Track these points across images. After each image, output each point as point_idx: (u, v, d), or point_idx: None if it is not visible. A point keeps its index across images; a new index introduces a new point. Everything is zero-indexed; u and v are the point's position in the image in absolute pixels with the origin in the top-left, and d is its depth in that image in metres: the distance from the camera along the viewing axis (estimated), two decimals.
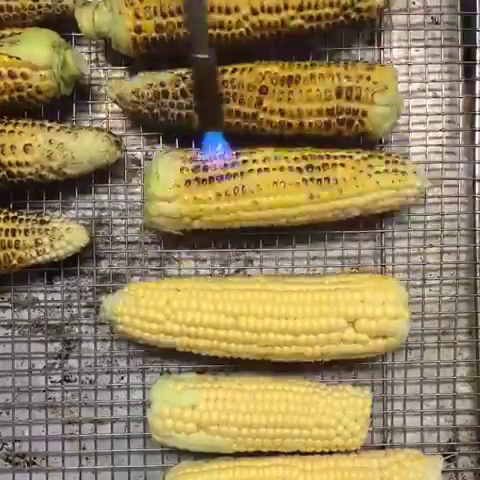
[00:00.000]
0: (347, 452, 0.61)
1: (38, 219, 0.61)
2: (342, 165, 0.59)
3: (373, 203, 0.60)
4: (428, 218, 0.65)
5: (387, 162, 0.60)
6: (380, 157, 0.60)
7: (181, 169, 0.58)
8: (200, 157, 0.58)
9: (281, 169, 0.58)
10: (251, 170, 0.58)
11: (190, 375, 0.62)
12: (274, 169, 0.58)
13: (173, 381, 0.60)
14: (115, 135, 0.62)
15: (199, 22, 0.49)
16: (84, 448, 0.65)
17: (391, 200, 0.60)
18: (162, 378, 0.62)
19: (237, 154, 0.59)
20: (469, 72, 0.66)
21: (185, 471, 0.59)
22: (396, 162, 0.60)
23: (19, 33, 0.59)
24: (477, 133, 0.66)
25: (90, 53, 0.66)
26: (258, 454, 0.60)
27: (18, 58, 0.58)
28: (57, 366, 0.65)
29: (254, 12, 0.58)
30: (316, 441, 0.59)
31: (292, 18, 0.59)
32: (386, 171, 0.59)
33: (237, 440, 0.59)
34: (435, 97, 0.66)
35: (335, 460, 0.59)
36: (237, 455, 0.60)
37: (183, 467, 0.60)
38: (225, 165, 0.58)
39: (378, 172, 0.59)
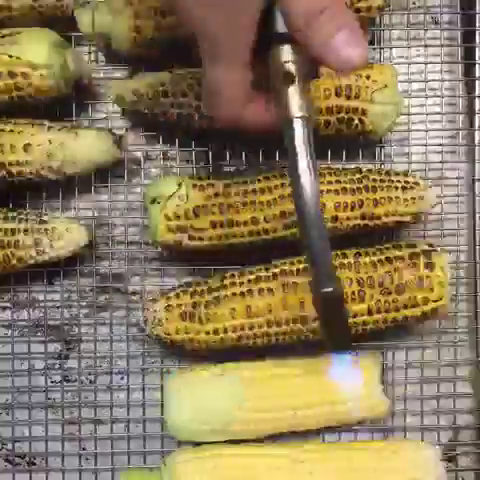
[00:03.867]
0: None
1: (38, 219, 0.61)
2: None
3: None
4: (428, 218, 0.65)
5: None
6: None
7: None
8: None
9: None
10: None
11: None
12: None
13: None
14: (115, 135, 0.62)
15: (322, 252, 0.42)
16: (84, 448, 0.65)
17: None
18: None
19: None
20: (469, 72, 0.66)
21: (186, 457, 0.59)
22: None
23: (19, 33, 0.59)
24: (477, 133, 0.66)
25: (90, 53, 0.66)
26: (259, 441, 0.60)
27: (18, 58, 0.58)
28: (57, 366, 0.65)
29: None
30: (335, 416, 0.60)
31: None
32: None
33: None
34: (435, 97, 0.66)
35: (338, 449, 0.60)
36: (238, 441, 0.60)
37: (184, 452, 0.60)
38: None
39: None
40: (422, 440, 0.64)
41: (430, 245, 0.59)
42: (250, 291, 0.58)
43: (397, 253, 0.59)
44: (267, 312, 0.58)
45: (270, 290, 0.58)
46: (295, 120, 0.41)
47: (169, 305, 0.59)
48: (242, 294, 0.58)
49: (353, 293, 0.57)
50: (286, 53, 0.41)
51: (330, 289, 0.43)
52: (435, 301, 0.58)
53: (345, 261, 0.58)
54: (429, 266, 0.58)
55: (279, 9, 0.40)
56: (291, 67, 0.41)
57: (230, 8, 0.39)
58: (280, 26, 0.41)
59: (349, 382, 0.58)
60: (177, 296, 0.59)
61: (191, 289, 0.60)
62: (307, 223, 0.42)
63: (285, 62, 0.41)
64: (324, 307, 0.44)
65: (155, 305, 0.59)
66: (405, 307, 0.58)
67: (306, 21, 0.39)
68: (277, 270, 0.59)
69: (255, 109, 0.46)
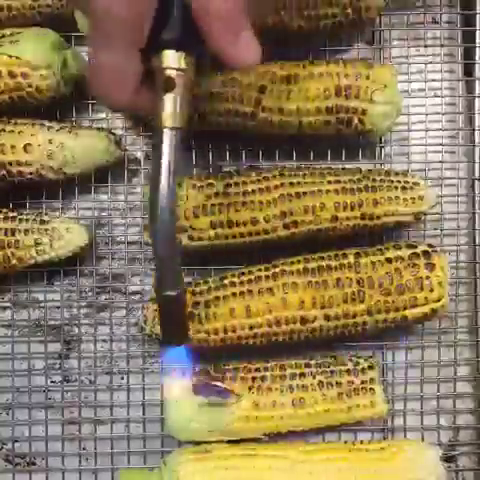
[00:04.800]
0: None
1: (38, 219, 0.61)
2: None
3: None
4: (428, 218, 0.65)
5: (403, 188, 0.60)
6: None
7: None
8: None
9: None
10: None
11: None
12: None
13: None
14: (115, 135, 0.62)
15: (169, 257, 0.44)
16: (84, 448, 0.65)
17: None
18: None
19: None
20: (469, 72, 0.66)
21: (186, 457, 0.59)
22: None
23: (19, 33, 0.59)
24: (477, 133, 0.66)
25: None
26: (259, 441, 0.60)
27: (18, 58, 0.58)
28: (57, 366, 0.65)
29: None
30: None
31: (291, 18, 0.59)
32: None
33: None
34: (435, 96, 0.66)
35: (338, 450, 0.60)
36: (238, 441, 0.60)
37: (184, 452, 0.59)
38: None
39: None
40: (422, 440, 0.64)
41: (430, 246, 0.59)
42: (250, 291, 0.58)
43: (397, 253, 0.58)
44: (267, 312, 0.58)
45: (270, 290, 0.58)
46: (164, 130, 0.42)
47: None
48: (242, 294, 0.58)
49: (353, 293, 0.57)
50: (171, 59, 0.41)
51: (173, 293, 0.45)
52: (435, 302, 0.58)
53: (345, 261, 0.58)
54: (429, 267, 0.58)
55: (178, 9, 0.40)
56: (173, 73, 0.41)
57: None
58: (168, 32, 0.41)
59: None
60: None
61: (191, 289, 0.60)
62: (158, 229, 0.43)
63: (168, 68, 0.41)
64: (165, 307, 0.47)
65: (155, 305, 0.59)
66: (405, 308, 0.58)
67: (215, 20, 0.40)
68: (277, 270, 0.59)
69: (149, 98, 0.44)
